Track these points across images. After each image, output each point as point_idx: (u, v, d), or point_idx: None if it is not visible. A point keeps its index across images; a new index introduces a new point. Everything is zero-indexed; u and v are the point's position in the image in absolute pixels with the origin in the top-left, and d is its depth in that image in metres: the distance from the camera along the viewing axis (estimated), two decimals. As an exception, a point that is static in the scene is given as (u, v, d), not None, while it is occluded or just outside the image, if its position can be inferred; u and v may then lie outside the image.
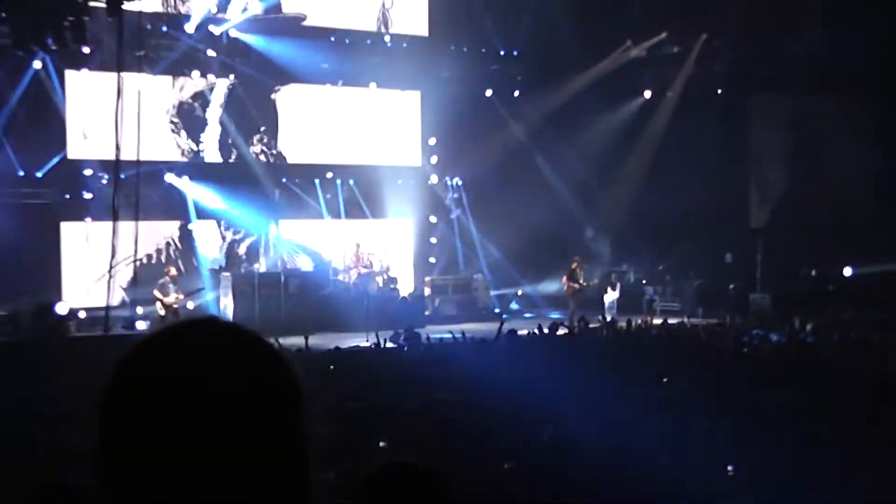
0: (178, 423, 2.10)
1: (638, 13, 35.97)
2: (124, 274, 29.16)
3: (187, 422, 2.10)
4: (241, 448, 2.13)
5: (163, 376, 2.15)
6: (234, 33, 32.67)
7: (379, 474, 4.26)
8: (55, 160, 29.59)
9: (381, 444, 13.96)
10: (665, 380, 20.84)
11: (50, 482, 5.04)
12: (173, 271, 30.07)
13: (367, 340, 26.96)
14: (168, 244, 32.69)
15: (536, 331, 26.84)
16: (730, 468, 13.44)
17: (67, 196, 30.08)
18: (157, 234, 32.18)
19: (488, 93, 36.82)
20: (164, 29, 31.48)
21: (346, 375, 21.42)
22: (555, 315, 32.04)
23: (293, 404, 2.25)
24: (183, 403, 2.11)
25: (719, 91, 37.78)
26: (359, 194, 35.49)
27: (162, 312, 28.80)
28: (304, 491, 2.25)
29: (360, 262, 33.68)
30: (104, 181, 29.76)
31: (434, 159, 37.13)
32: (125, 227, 27.55)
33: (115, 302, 27.83)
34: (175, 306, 28.87)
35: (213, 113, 33.32)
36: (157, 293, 29.13)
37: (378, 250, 34.57)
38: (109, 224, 27.77)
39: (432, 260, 35.98)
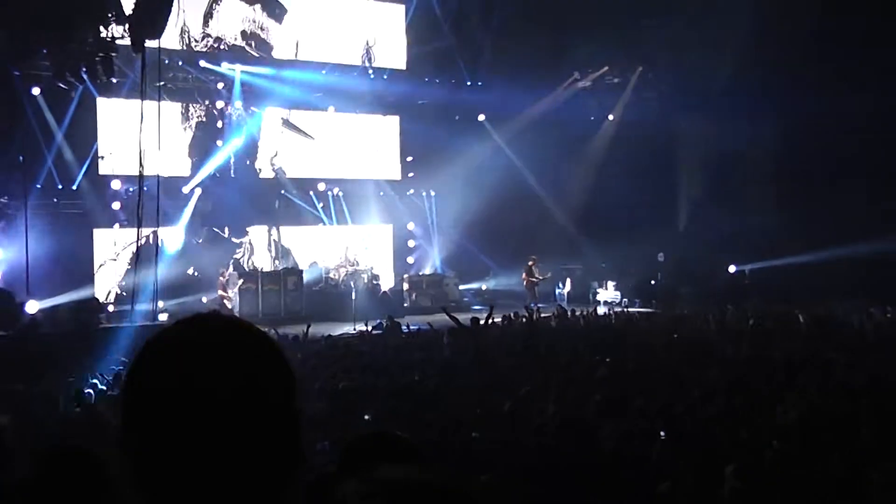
0: (186, 401, 2.17)
1: (584, 50, 36.13)
2: (147, 273, 29.22)
3: (193, 400, 2.17)
4: (240, 422, 2.19)
5: (172, 361, 2.23)
6: (240, 68, 32.80)
7: (357, 442, 4.23)
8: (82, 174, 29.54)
9: (366, 416, 14.29)
10: (607, 359, 21.22)
11: (68, 446, 4.71)
12: (232, 269, 31.89)
13: (354, 329, 27.15)
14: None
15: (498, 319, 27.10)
16: (662, 433, 13.80)
17: (99, 206, 29.89)
18: (176, 238, 32.00)
19: (456, 117, 36.88)
20: (180, 63, 31.52)
21: (337, 359, 21.73)
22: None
23: (285, 384, 2.31)
24: (190, 384, 2.18)
25: (652, 115, 38.04)
26: (345, 204, 35.57)
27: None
28: (295, 457, 2.31)
29: (348, 262, 33.90)
30: (130, 192, 29.67)
31: (411, 174, 37.11)
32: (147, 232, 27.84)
33: (141, 296, 27.94)
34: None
35: (221, 134, 33.37)
36: (220, 290, 30.70)
37: (363, 252, 34.76)
38: (134, 230, 28.15)
39: (410, 260, 36.01)
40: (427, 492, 2.27)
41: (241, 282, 31.36)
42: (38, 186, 28.05)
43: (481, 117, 36.98)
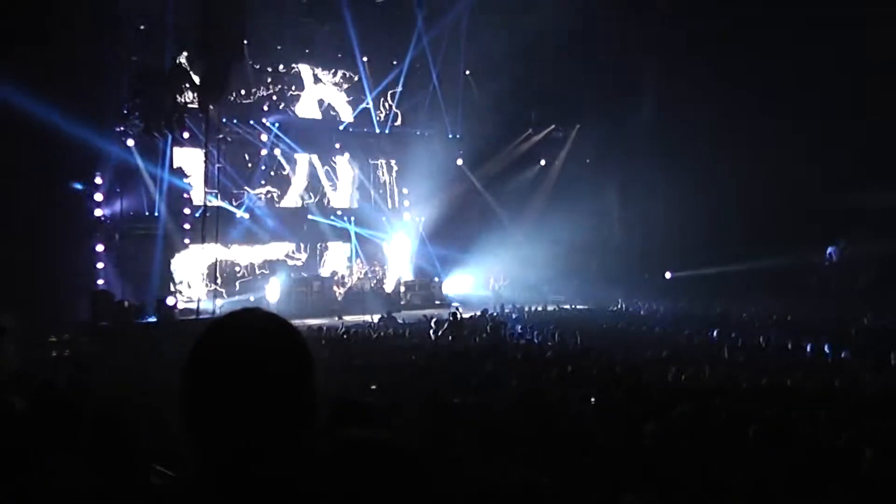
0: (231, 375, 2.25)
1: (537, 112, 36.50)
2: (210, 278, 29.27)
3: (237, 374, 2.25)
4: (266, 383, 2.26)
5: (222, 345, 2.33)
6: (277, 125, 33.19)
7: (335, 405, 4.21)
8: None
9: (373, 386, 14.79)
10: (550, 344, 21.77)
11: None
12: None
13: (364, 321, 27.61)
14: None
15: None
16: (592, 399, 14.24)
17: (174, 227, 29.77)
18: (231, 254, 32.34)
19: (459, 162, 37.31)
20: (234, 121, 31.85)
21: (352, 343, 22.17)
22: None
23: (304, 364, 2.37)
24: (234, 362, 2.27)
25: (588, 160, 38.53)
26: (356, 226, 35.71)
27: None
28: (312, 420, 2.36)
29: (359, 270, 34.18)
30: (196, 217, 29.87)
31: (406, 203, 37.40)
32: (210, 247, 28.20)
33: (203, 297, 28.30)
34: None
35: (265, 173, 33.69)
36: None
37: (371, 262, 35.02)
38: (201, 245, 28.56)
39: (406, 268, 36.09)
40: (380, 448, 2.42)
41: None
42: (131, 213, 28.16)
43: (459, 161, 37.10)
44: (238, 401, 2.23)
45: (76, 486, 5.22)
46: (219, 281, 29.67)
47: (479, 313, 28.34)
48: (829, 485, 8.01)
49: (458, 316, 25.68)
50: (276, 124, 33.20)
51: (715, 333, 23.70)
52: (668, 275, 36.47)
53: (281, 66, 33.57)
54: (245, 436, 2.24)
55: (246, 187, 32.61)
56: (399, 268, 36.54)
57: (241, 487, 2.22)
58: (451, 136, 36.44)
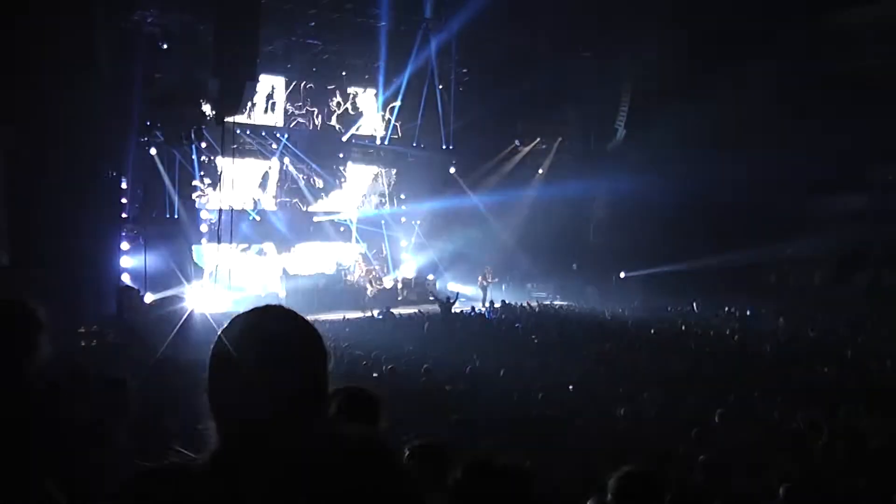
0: (253, 361, 2.26)
1: (522, 126, 36.55)
2: (224, 276, 29.37)
3: (258, 360, 2.26)
4: (289, 378, 2.27)
5: (246, 334, 2.33)
6: (286, 135, 33.26)
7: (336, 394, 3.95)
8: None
9: (375, 374, 14.82)
10: (534, 338, 21.78)
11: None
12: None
13: (364, 315, 27.64)
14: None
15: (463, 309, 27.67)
16: (570, 387, 14.31)
17: (192, 229, 30.14)
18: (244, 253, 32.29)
19: (452, 170, 37.30)
20: (248, 132, 31.95)
21: (353, 334, 22.21)
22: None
23: (320, 353, 2.38)
24: (256, 349, 2.28)
25: (569, 170, 38.52)
26: (358, 228, 35.98)
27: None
28: (324, 404, 2.40)
29: (360, 268, 34.19)
30: (212, 220, 30.12)
31: (403, 207, 37.42)
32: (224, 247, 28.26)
33: (220, 293, 28.21)
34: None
35: (275, 180, 33.75)
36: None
37: (370, 261, 35.04)
38: (216, 245, 28.65)
39: (403, 266, 36.10)
40: (365, 443, 2.43)
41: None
42: (153, 215, 28.20)
43: (452, 170, 37.16)
44: (259, 385, 2.25)
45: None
46: (232, 278, 29.73)
47: (471, 308, 28.45)
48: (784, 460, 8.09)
49: (455, 302, 26.24)
50: (286, 135, 33.22)
51: (683, 327, 23.88)
52: (622, 275, 36.51)
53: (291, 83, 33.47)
54: (264, 418, 2.25)
55: (257, 192, 32.57)
56: (396, 266, 36.42)
57: (258, 466, 2.24)
58: (444, 146, 36.40)
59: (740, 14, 29.67)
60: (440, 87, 34.72)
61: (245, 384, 2.26)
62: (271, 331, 2.35)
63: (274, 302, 2.55)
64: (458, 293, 29.24)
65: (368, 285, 33.27)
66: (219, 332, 2.36)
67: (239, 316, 2.41)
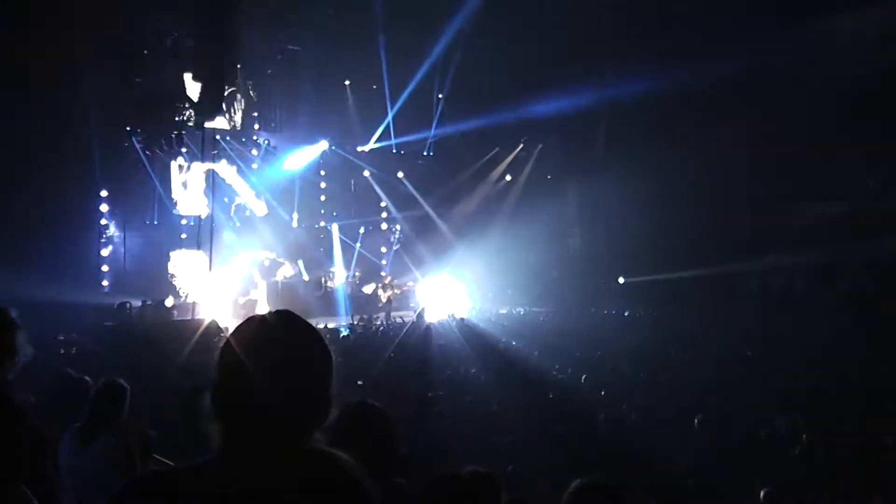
0: (259, 367, 2.27)
1: (503, 132, 36.52)
2: (204, 282, 29.24)
3: (264, 367, 2.28)
4: (293, 381, 2.30)
5: (252, 340, 2.34)
6: (266, 142, 33.06)
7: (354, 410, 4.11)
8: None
9: (359, 382, 14.82)
10: (514, 342, 21.84)
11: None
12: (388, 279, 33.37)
13: (345, 321, 27.52)
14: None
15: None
16: (551, 394, 14.33)
17: (174, 235, 29.97)
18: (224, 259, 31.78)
19: (400, 174, 37.11)
20: (227, 137, 31.68)
21: (333, 342, 22.15)
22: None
23: (326, 359, 2.41)
24: (266, 355, 2.30)
25: (549, 176, 38.77)
26: (340, 235, 35.80)
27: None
28: (328, 410, 2.38)
29: (342, 275, 34.11)
30: (192, 225, 29.93)
31: (384, 214, 37.26)
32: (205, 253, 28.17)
33: (200, 299, 28.14)
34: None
35: (255, 185, 33.55)
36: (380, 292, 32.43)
37: (350, 267, 34.94)
38: (195, 251, 28.57)
39: (383, 273, 36.04)
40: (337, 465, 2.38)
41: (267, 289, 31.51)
42: (133, 221, 28.08)
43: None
44: (267, 388, 2.26)
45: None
46: (213, 284, 29.60)
47: (446, 316, 28.44)
48: (766, 464, 8.15)
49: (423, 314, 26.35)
50: (267, 141, 33.16)
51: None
52: (620, 280, 36.50)
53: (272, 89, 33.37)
54: (270, 421, 2.27)
55: (238, 198, 32.49)
56: (376, 271, 36.34)
57: (254, 470, 2.25)
58: (425, 153, 36.38)
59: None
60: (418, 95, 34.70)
61: (254, 388, 2.27)
62: (281, 336, 2.39)
63: (256, 310, 2.60)
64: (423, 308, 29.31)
65: (349, 290, 33.19)
66: (227, 336, 2.39)
67: (248, 320, 2.45)
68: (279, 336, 2.38)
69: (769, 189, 31.14)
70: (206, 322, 23.70)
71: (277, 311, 2.49)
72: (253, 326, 2.41)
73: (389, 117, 34.27)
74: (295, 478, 2.27)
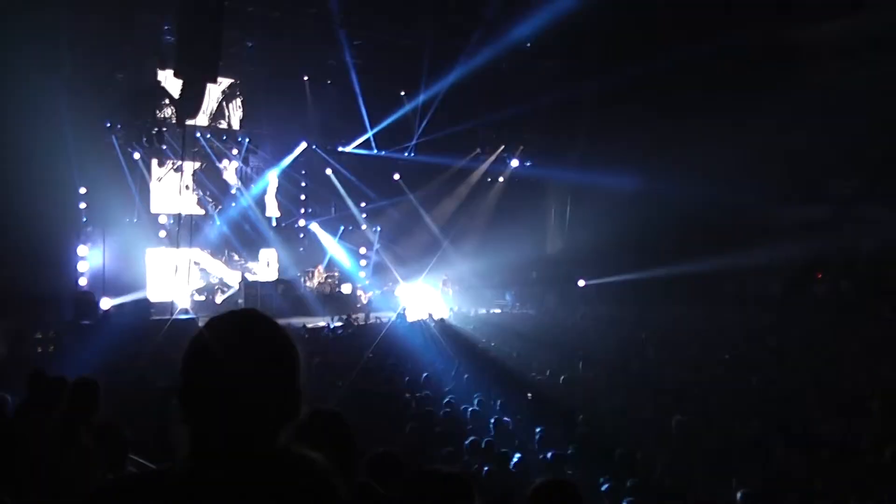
0: (226, 368, 2.24)
1: (485, 134, 36.54)
2: (182, 280, 29.17)
3: (234, 364, 2.24)
4: (264, 381, 2.26)
5: (219, 340, 2.30)
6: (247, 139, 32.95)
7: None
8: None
9: (339, 383, 14.80)
10: (492, 343, 21.89)
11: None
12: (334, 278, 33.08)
13: (324, 322, 27.51)
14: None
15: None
16: (529, 395, 14.35)
17: (151, 233, 29.97)
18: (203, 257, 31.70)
19: (396, 177, 37.15)
20: (208, 135, 31.69)
21: (311, 342, 22.11)
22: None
23: (294, 359, 2.38)
24: (230, 356, 2.26)
25: (529, 178, 38.80)
26: (320, 233, 35.83)
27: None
28: (298, 408, 2.36)
29: (320, 274, 34.00)
30: (171, 223, 29.93)
31: (364, 215, 37.17)
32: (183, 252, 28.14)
33: (178, 297, 28.12)
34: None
35: (237, 184, 33.51)
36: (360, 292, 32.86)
37: (330, 267, 34.85)
38: (174, 250, 28.51)
39: (362, 274, 36.03)
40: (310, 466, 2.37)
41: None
42: (112, 219, 27.66)
43: (396, 176, 37.21)
44: (230, 393, 2.23)
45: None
46: (191, 283, 29.54)
47: (425, 316, 28.44)
48: (743, 465, 8.19)
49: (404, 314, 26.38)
50: (248, 139, 33.05)
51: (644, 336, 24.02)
52: (581, 283, 36.59)
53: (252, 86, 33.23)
54: (235, 425, 2.23)
55: (217, 196, 32.41)
56: (356, 272, 36.31)
57: (227, 474, 2.22)
58: (406, 154, 36.44)
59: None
60: (403, 94, 34.65)
61: (220, 389, 2.24)
62: (247, 335, 2.35)
63: (233, 308, 2.59)
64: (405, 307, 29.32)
65: (328, 290, 33.12)
66: (193, 336, 2.35)
67: (214, 319, 2.41)
68: (244, 336, 2.35)
69: (748, 191, 31.24)
70: (185, 321, 23.77)
71: (243, 311, 2.48)
72: (217, 327, 2.37)
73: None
74: (265, 481, 2.24)
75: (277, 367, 2.33)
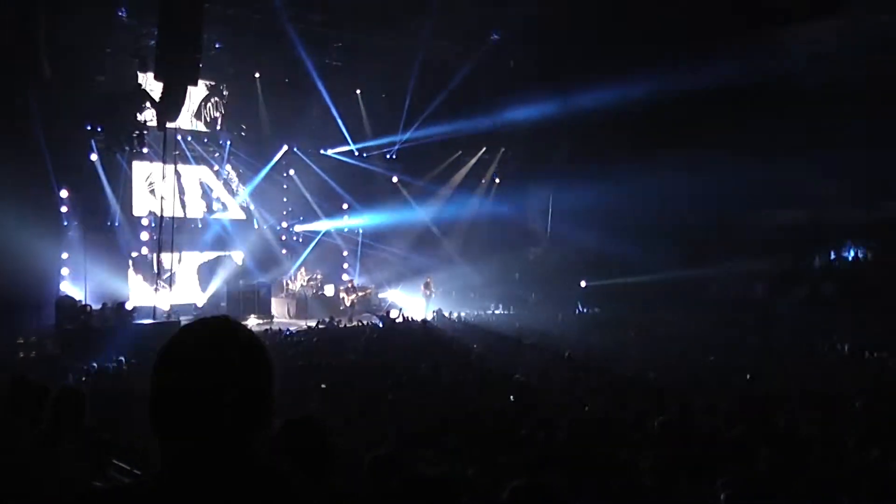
0: (196, 377, 2.21)
1: (467, 137, 36.52)
2: (165, 283, 29.10)
3: (203, 374, 2.21)
4: (234, 391, 2.22)
5: (190, 349, 2.28)
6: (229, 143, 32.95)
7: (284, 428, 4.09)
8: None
9: (322, 385, 14.78)
10: (475, 345, 21.92)
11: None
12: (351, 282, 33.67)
13: (306, 324, 27.42)
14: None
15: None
16: (511, 397, 14.36)
17: (132, 237, 29.91)
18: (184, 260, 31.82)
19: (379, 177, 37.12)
20: (189, 138, 31.73)
21: (294, 345, 22.08)
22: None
23: (266, 373, 2.32)
24: (200, 365, 2.23)
25: (512, 180, 38.94)
26: (302, 236, 35.89)
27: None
28: (270, 416, 2.33)
29: (303, 277, 33.97)
30: (152, 227, 29.84)
31: (346, 218, 36.95)
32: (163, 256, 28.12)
33: (160, 301, 28.03)
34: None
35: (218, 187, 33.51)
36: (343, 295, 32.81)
37: (312, 269, 34.80)
38: (156, 253, 28.42)
39: (346, 277, 36.00)
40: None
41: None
42: (93, 223, 27.78)
43: (395, 179, 37.21)
44: (201, 403, 2.20)
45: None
46: (172, 287, 29.49)
47: (412, 317, 28.50)
48: (725, 470, 8.20)
49: (398, 316, 26.34)
50: (229, 142, 32.99)
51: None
52: (582, 283, 36.69)
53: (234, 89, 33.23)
54: (205, 436, 2.21)
55: (198, 199, 32.34)
56: (338, 274, 36.30)
57: (199, 486, 2.20)
58: (388, 156, 36.46)
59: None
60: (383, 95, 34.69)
61: (190, 399, 2.21)
62: (219, 343, 2.31)
63: (216, 311, 2.56)
64: (399, 306, 29.34)
65: (311, 293, 33.11)
66: (163, 345, 2.32)
67: (185, 327, 2.38)
68: (216, 344, 2.31)
69: (730, 197, 31.39)
70: (167, 324, 23.74)
71: (214, 318, 2.43)
72: (188, 335, 2.34)
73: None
74: (236, 491, 2.23)
75: (249, 374, 2.29)
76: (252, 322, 27.81)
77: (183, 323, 2.45)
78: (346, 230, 37.19)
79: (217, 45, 29.41)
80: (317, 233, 36.15)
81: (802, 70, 28.98)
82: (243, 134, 33.54)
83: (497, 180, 39.22)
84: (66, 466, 5.36)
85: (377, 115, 35.11)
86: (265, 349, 2.38)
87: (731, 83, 28.87)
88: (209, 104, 32.58)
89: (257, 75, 32.18)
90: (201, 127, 32.65)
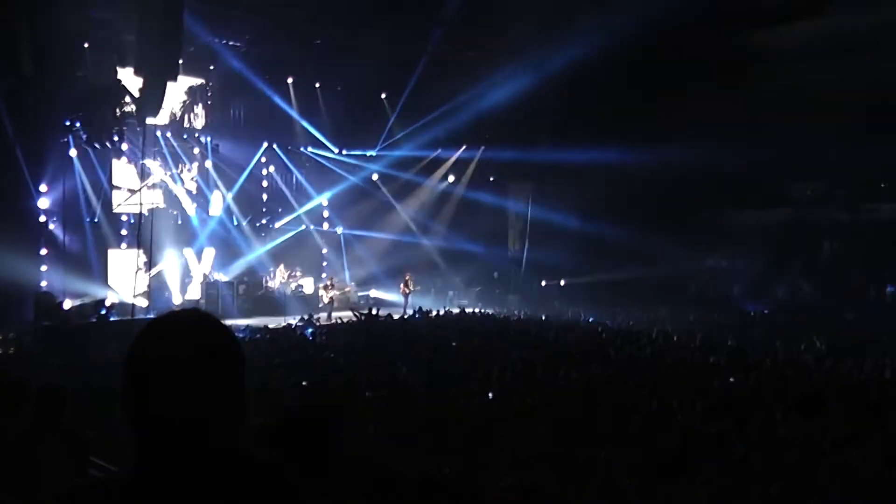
0: (167, 371, 2.18)
1: (447, 134, 36.50)
2: (144, 280, 29.01)
3: (172, 371, 2.18)
4: (204, 389, 2.19)
5: (159, 342, 2.24)
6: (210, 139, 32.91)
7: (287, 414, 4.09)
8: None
9: (304, 382, 14.73)
10: (454, 344, 21.92)
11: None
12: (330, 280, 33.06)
13: (285, 322, 27.40)
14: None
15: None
16: (490, 394, 14.36)
17: (112, 233, 29.85)
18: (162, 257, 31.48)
19: (374, 177, 37.38)
20: (168, 134, 31.45)
21: (272, 343, 22.05)
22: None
23: (236, 365, 2.29)
24: (170, 359, 2.19)
25: (491, 178, 39.02)
26: (282, 234, 35.81)
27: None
28: (242, 413, 2.29)
29: (281, 274, 33.90)
30: (132, 223, 29.76)
31: (325, 213, 37.17)
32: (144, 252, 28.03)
33: (139, 298, 27.90)
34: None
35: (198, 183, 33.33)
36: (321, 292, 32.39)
37: (291, 266, 34.72)
38: (135, 250, 28.35)
39: (324, 275, 35.92)
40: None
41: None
42: (72, 219, 27.66)
43: (375, 176, 37.23)
44: (173, 396, 2.16)
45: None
46: (150, 283, 29.35)
47: (391, 315, 28.47)
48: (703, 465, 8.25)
49: (377, 314, 26.30)
50: (209, 138, 32.91)
51: (603, 335, 24.16)
52: (562, 282, 36.80)
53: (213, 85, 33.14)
54: (178, 431, 2.17)
55: (178, 196, 32.24)
56: (318, 272, 36.33)
57: (173, 481, 2.18)
58: (367, 154, 36.42)
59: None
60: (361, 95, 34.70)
61: (159, 393, 2.18)
62: (185, 336, 2.28)
63: (192, 307, 2.55)
64: (377, 304, 29.33)
65: (289, 290, 33.07)
66: (133, 339, 2.28)
67: (155, 320, 2.36)
68: (185, 336, 2.28)
69: (709, 196, 31.53)
70: (146, 321, 23.63)
71: (184, 311, 2.41)
72: (158, 328, 2.31)
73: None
74: (210, 486, 2.21)
75: (220, 368, 2.27)
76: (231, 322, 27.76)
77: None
78: (325, 227, 37.09)
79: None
80: (295, 227, 36.10)
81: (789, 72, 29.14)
82: (224, 131, 33.34)
83: (476, 178, 39.21)
84: (46, 463, 5.35)
85: (357, 114, 35.09)
86: (237, 341, 2.36)
87: (707, 80, 29.11)
88: (189, 100, 32.44)
89: (239, 72, 32.01)
90: (183, 123, 32.49)
